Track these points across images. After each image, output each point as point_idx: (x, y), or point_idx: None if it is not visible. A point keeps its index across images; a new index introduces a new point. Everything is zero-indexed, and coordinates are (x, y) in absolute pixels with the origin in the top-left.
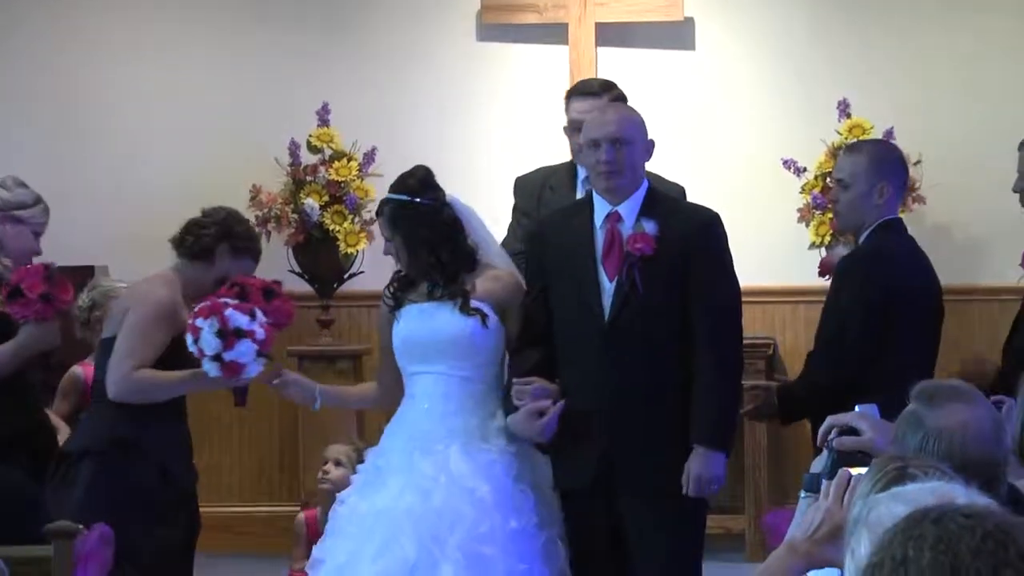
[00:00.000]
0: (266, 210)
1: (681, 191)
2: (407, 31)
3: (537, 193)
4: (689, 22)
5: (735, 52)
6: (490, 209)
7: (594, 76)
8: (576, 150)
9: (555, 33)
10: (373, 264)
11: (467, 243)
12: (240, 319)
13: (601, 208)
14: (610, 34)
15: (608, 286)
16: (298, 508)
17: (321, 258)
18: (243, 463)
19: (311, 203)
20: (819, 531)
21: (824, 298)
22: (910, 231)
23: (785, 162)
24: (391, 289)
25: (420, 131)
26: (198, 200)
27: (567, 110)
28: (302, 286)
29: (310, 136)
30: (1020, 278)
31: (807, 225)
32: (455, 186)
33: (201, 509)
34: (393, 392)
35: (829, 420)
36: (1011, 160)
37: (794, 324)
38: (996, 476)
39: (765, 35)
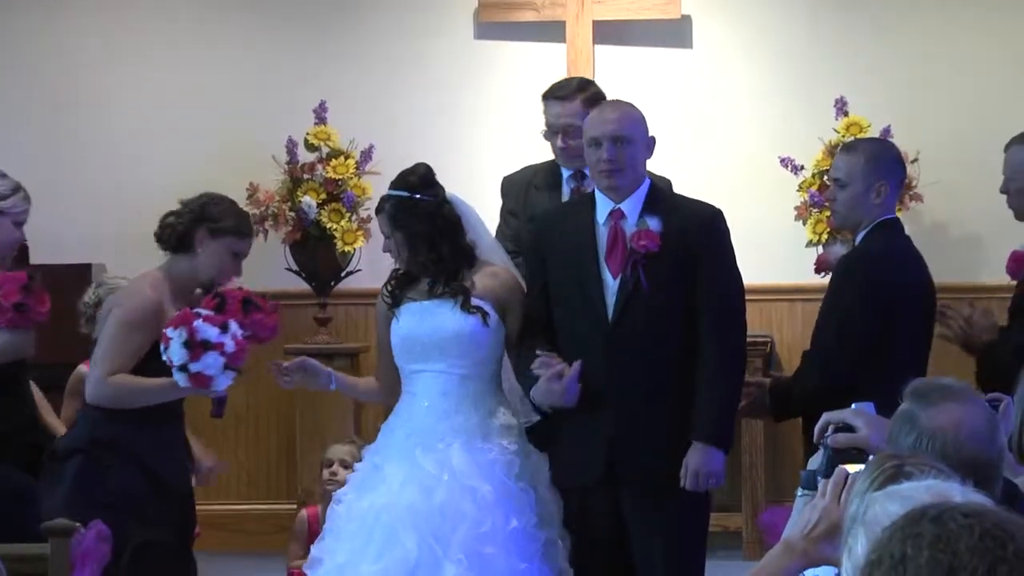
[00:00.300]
0: (263, 208)
1: (668, 184)
2: (405, 29)
3: (523, 192)
4: (686, 20)
5: (732, 50)
6: (487, 207)
7: (592, 74)
8: (557, 151)
9: (552, 31)
10: (370, 262)
11: (466, 240)
12: (209, 331)
13: (603, 205)
14: (607, 32)
15: (612, 283)
16: (295, 506)
17: (318, 256)
18: (241, 461)
19: (308, 201)
20: (816, 529)
21: (820, 295)
22: (907, 229)
23: (782, 160)
24: (389, 287)
25: (418, 129)
26: None
27: (544, 112)
28: (299, 284)
29: (307, 134)
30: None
31: (804, 223)
32: (453, 184)
33: (198, 507)
34: (395, 389)
35: (825, 417)
36: None
37: (791, 322)
38: (991, 475)
39: (762, 33)
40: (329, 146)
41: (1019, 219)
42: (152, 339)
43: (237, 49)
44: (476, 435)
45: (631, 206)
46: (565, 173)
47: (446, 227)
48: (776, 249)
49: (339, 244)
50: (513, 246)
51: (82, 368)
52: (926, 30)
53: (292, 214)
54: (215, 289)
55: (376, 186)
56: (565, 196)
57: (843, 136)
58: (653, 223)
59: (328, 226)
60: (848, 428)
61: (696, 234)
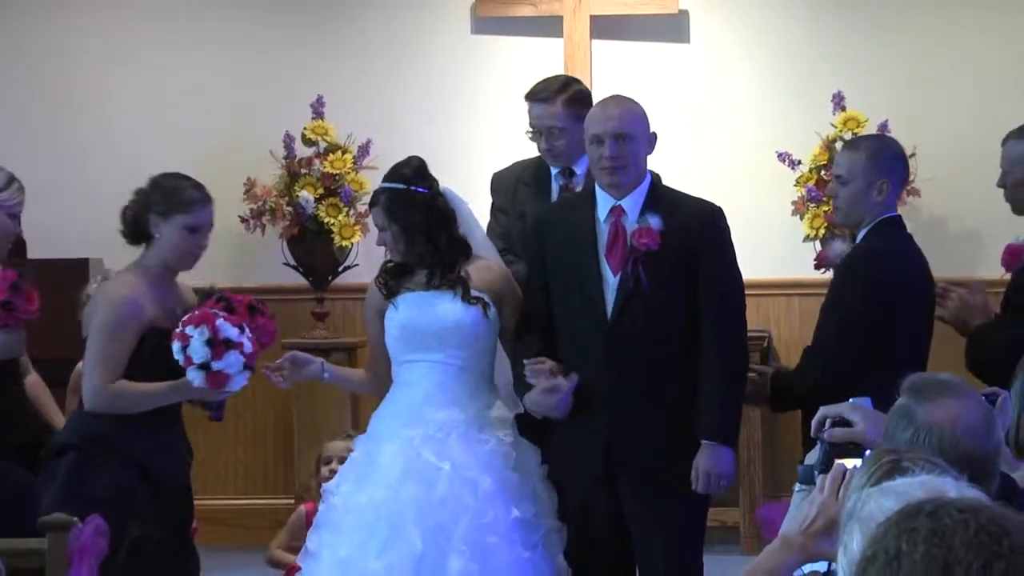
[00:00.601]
0: (261, 203)
1: (657, 178)
2: (402, 24)
3: (512, 189)
4: (684, 15)
5: (729, 45)
6: (485, 202)
7: (589, 68)
8: (543, 151)
9: (550, 26)
10: (368, 257)
11: (460, 233)
12: (230, 330)
13: (604, 202)
14: (605, 27)
15: (612, 280)
16: (292, 501)
17: (316, 251)
18: (239, 456)
19: (306, 196)
20: (814, 524)
21: (818, 290)
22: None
23: (780, 155)
24: (383, 278)
25: (415, 124)
26: None
27: (528, 113)
28: (297, 279)
29: (305, 129)
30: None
31: (801, 218)
32: (450, 179)
33: (196, 502)
34: (387, 380)
35: (822, 411)
36: None
37: (789, 316)
38: (987, 470)
39: (760, 28)
40: (326, 141)
41: (1016, 212)
42: (139, 333)
43: (234, 43)
44: (473, 426)
45: (632, 203)
46: (553, 170)
47: (442, 219)
48: (773, 244)
49: (336, 239)
50: (503, 243)
51: (82, 365)
52: (924, 25)
53: (289, 209)
54: (216, 292)
55: (373, 181)
56: (554, 193)
57: (840, 131)
58: (654, 221)
59: (325, 221)
60: (845, 423)
61: (697, 232)
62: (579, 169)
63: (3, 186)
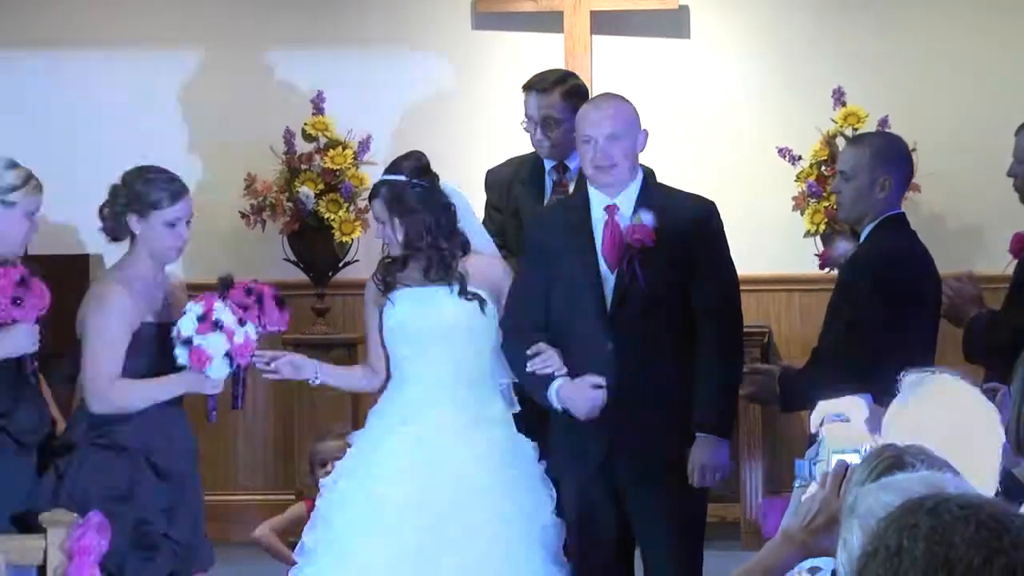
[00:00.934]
0: (261, 198)
1: (650, 172)
2: (402, 19)
3: (506, 186)
4: (684, 10)
5: (730, 41)
6: (483, 198)
7: (589, 64)
8: (536, 143)
9: (550, 21)
10: (368, 252)
11: (459, 227)
12: (226, 315)
13: (598, 200)
14: (605, 22)
15: (609, 277)
16: (292, 497)
17: (316, 246)
18: (239, 452)
19: (306, 191)
20: (815, 520)
21: (819, 286)
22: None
23: (780, 150)
24: (380, 273)
25: (415, 119)
26: (193, 188)
27: (524, 103)
28: (297, 274)
29: (305, 124)
30: (1007, 265)
31: (802, 213)
32: (450, 174)
33: None
34: (384, 375)
35: (820, 406)
36: (1006, 148)
37: (789, 312)
38: None
39: (760, 23)
40: (327, 136)
41: None
42: (131, 329)
43: (235, 39)
44: (470, 423)
45: (625, 201)
46: (547, 165)
47: (441, 213)
48: (774, 239)
49: (337, 234)
50: (498, 241)
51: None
52: (924, 20)
53: (290, 204)
54: (231, 280)
55: (374, 176)
56: (547, 189)
57: (841, 127)
58: (647, 217)
59: (326, 216)
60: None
61: (691, 228)
62: (572, 164)
63: (21, 184)
